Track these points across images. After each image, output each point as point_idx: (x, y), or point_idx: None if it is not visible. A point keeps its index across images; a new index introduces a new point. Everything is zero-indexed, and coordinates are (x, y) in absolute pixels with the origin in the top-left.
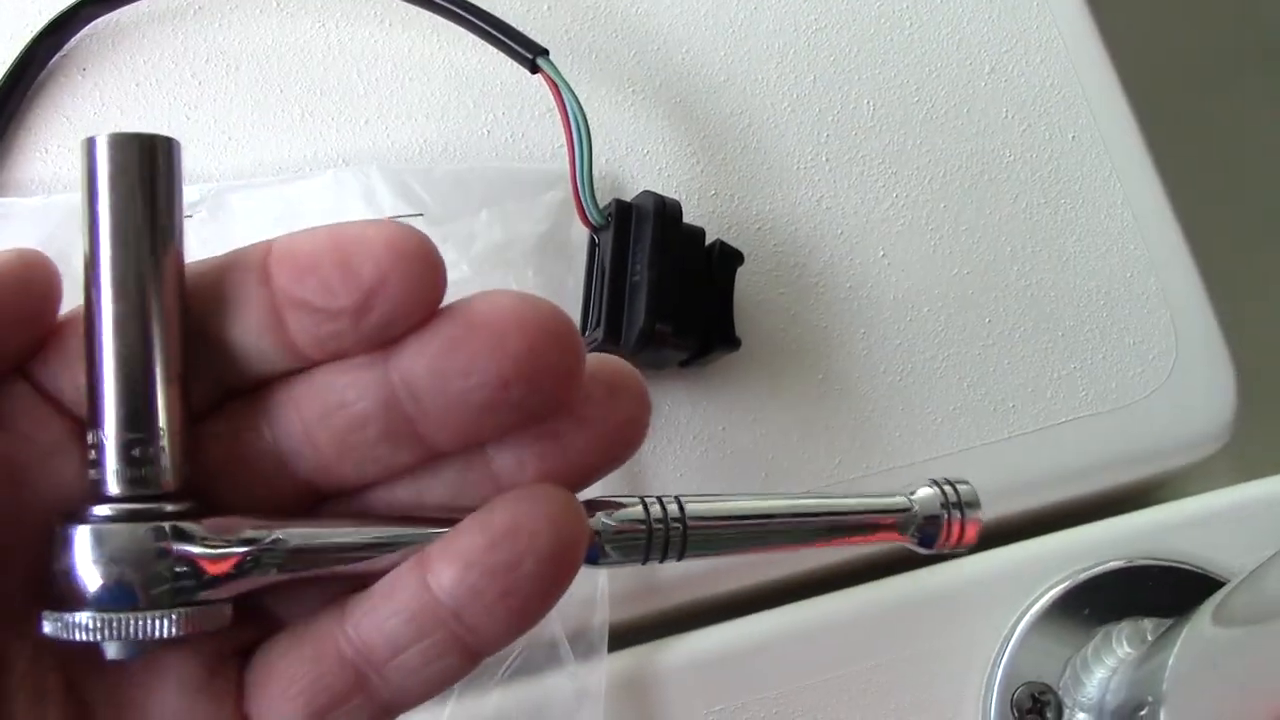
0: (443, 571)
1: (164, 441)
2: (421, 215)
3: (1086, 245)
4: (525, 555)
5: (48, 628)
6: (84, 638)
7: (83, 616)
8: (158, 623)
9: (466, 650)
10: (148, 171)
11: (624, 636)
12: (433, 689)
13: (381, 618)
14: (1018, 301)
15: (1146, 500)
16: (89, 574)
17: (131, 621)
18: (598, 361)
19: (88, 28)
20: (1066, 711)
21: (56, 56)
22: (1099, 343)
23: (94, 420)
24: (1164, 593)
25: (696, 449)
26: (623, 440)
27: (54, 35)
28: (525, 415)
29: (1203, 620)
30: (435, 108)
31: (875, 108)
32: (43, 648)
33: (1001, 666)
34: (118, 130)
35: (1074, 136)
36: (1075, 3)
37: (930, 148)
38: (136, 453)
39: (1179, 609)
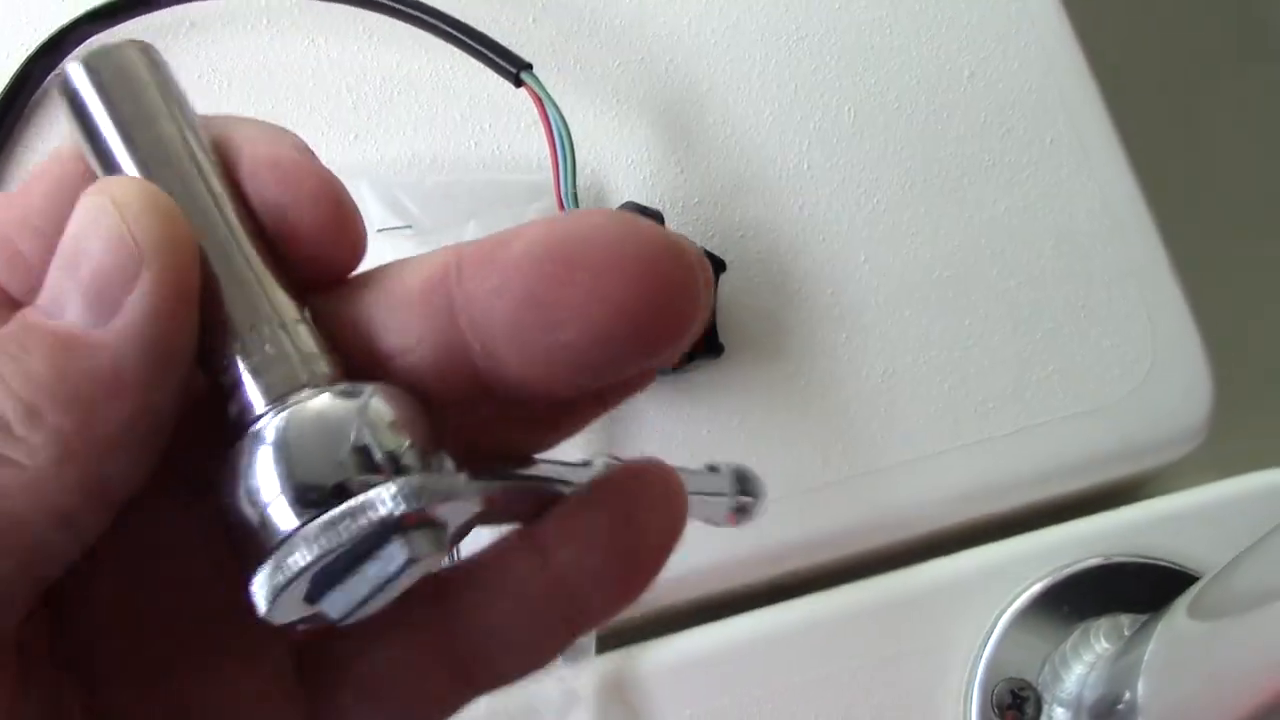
0: (562, 551)
1: (306, 323)
2: (410, 227)
3: (1064, 248)
4: (644, 538)
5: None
6: (363, 530)
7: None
8: (455, 482)
9: (572, 630)
10: (150, 74)
11: (611, 638)
12: (534, 669)
13: (496, 602)
14: (997, 304)
15: (1124, 498)
16: (321, 458)
17: (427, 484)
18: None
19: (81, 46)
20: (1045, 707)
21: (52, 75)
22: (1077, 344)
23: (226, 336)
24: (1141, 589)
25: (682, 455)
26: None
27: (49, 54)
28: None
29: (1177, 614)
30: (423, 121)
31: (856, 115)
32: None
33: (982, 664)
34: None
35: (1052, 140)
36: (1052, 7)
37: (910, 153)
38: (293, 341)
39: (1155, 605)
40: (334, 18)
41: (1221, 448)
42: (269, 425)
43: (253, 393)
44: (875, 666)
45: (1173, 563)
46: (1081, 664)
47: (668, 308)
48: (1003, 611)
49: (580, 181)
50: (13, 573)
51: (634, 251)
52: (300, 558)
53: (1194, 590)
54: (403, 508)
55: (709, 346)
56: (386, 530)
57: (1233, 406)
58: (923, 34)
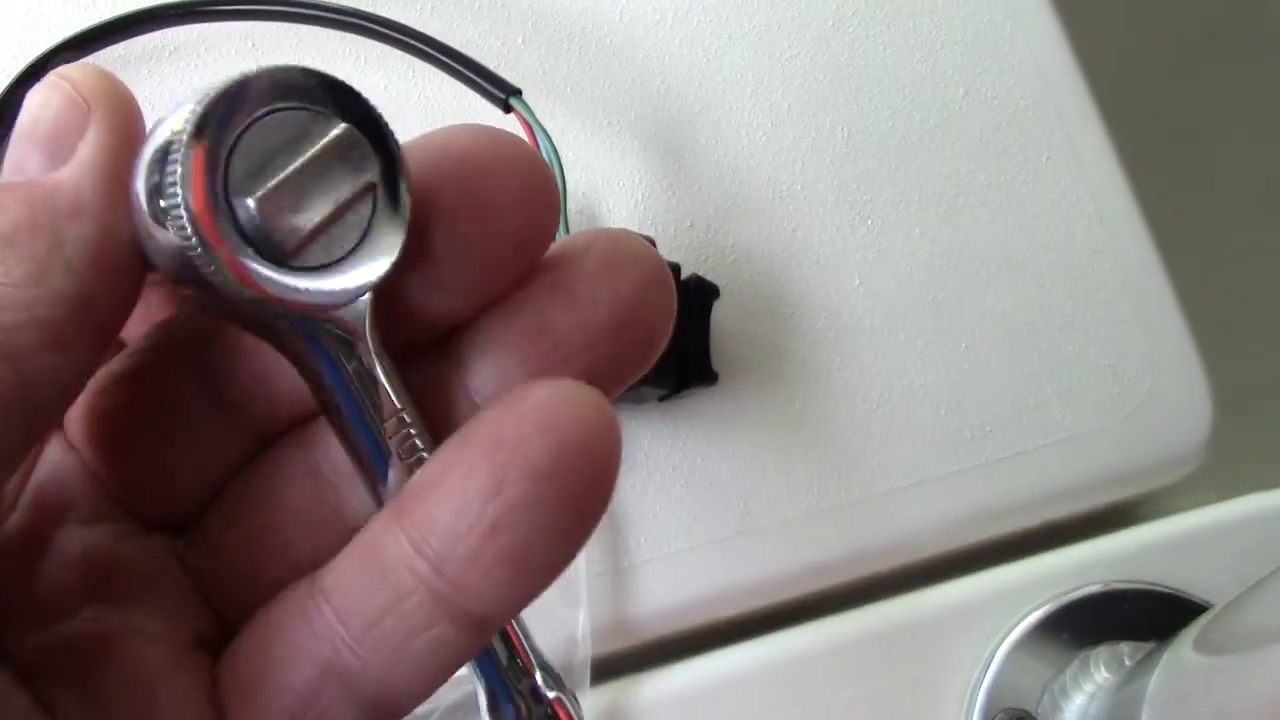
0: (409, 512)
1: None
2: None
3: (1062, 268)
4: (512, 475)
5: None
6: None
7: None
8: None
9: (458, 614)
10: None
11: (606, 670)
12: (427, 672)
13: (349, 578)
14: (994, 326)
15: (1124, 521)
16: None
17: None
18: (594, 233)
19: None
20: None
21: None
22: (1075, 365)
23: None
24: (1141, 616)
25: (676, 482)
26: (633, 328)
27: (28, 81)
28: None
29: (1183, 647)
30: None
31: (849, 134)
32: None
33: (981, 693)
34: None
35: (1048, 158)
36: (1049, 24)
37: (905, 173)
38: None
39: (1156, 632)
40: (319, 41)
41: (1222, 468)
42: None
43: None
44: (873, 696)
45: (1173, 589)
46: (1082, 694)
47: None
48: (1001, 640)
49: (571, 206)
50: (10, 388)
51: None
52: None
53: (1200, 623)
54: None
55: (702, 373)
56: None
57: (1233, 426)
58: (917, 52)
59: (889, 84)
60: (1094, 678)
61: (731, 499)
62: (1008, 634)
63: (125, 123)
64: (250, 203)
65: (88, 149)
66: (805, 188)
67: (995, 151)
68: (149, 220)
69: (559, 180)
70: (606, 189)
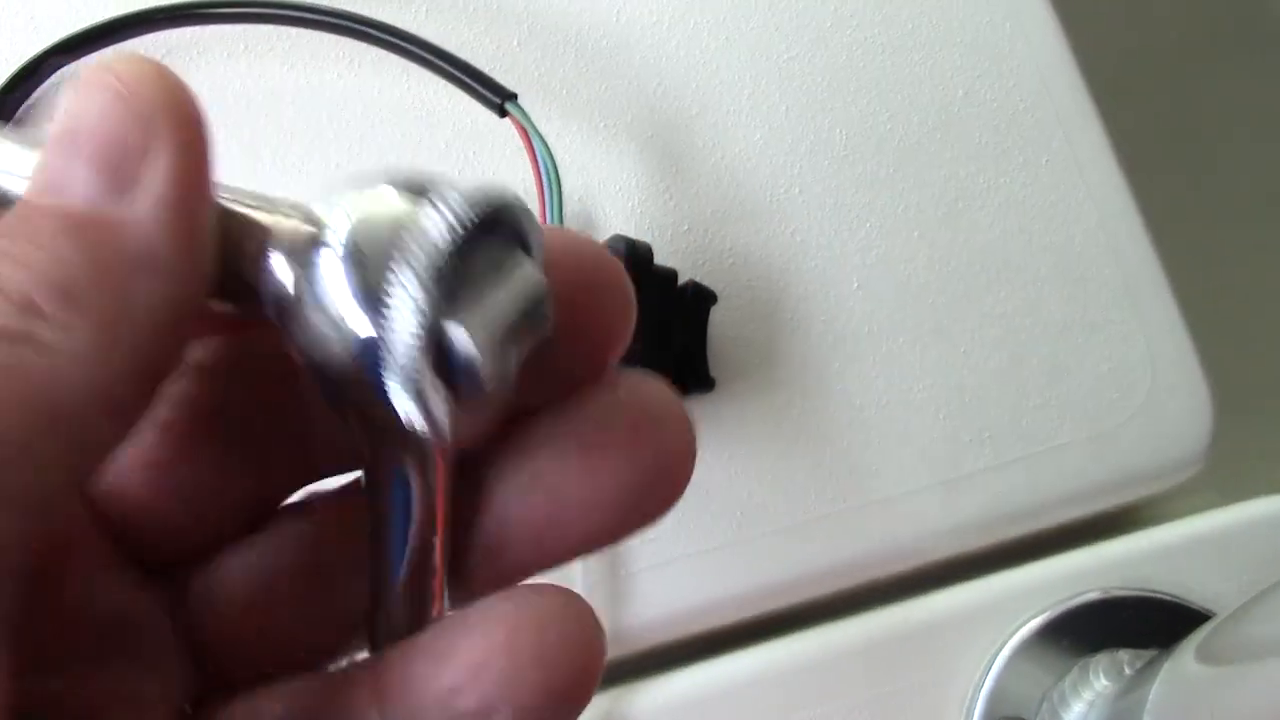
0: (390, 694)
1: None
2: None
3: (1061, 270)
4: (501, 707)
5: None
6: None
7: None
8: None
9: None
10: None
11: (602, 678)
12: None
13: None
14: (993, 330)
15: (1125, 527)
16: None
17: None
18: (627, 382)
19: (54, 76)
20: None
21: (23, 108)
22: (1074, 370)
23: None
24: (1140, 623)
25: None
26: (656, 481)
27: (20, 85)
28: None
29: (1185, 656)
30: (407, 150)
31: (848, 137)
32: None
33: (980, 701)
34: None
35: (1047, 160)
36: (1048, 26)
37: (904, 176)
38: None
39: (1155, 640)
40: (313, 45)
41: (1223, 471)
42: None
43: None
44: (871, 704)
45: (1172, 595)
46: (1081, 702)
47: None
48: (1000, 647)
49: (567, 210)
50: (60, 457)
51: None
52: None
53: (1203, 632)
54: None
55: (700, 379)
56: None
57: (1234, 429)
58: (915, 54)
59: (887, 86)
60: (1093, 686)
61: (728, 506)
62: (1007, 641)
63: (199, 146)
64: (461, 335)
65: (158, 180)
66: (803, 191)
67: (994, 154)
68: (325, 312)
69: (555, 185)
70: (603, 193)
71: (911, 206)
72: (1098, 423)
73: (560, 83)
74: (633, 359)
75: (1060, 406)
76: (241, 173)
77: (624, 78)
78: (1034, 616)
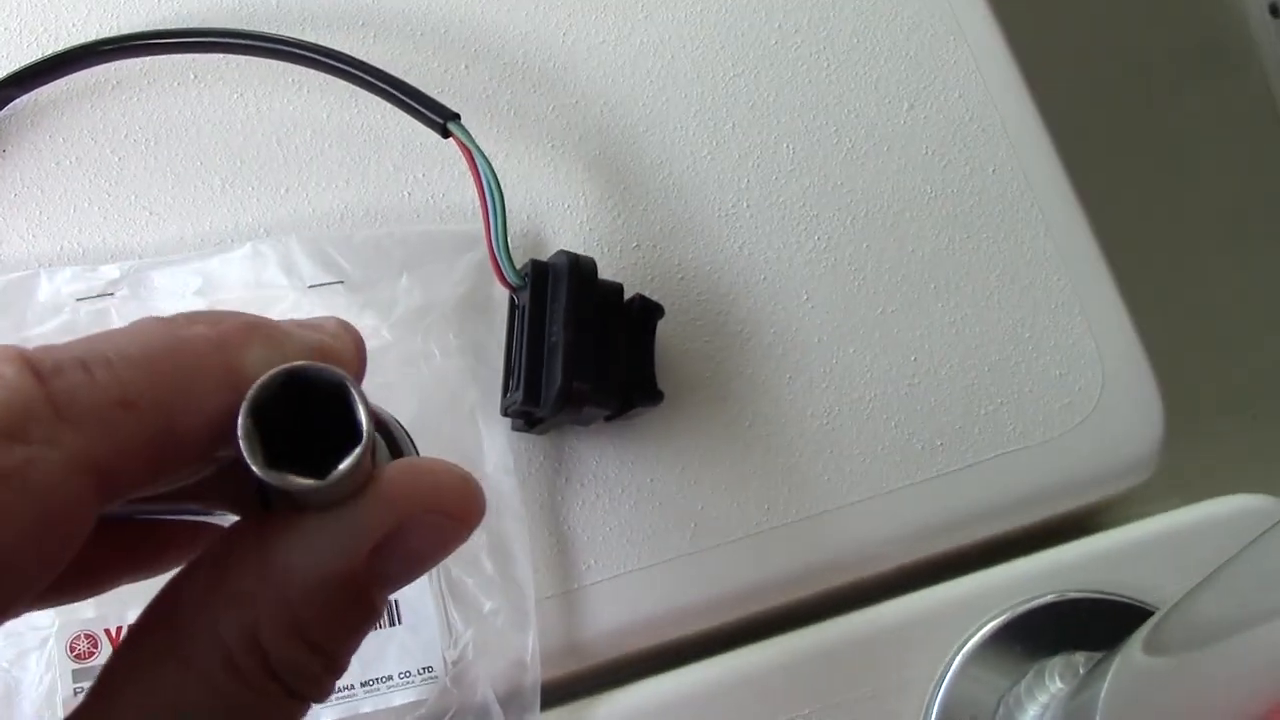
0: None
1: None
2: (342, 283)
3: (1009, 279)
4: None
5: None
6: None
7: None
8: None
9: None
10: None
11: (557, 694)
12: None
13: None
14: (942, 338)
15: (1078, 531)
16: None
17: None
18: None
19: (6, 109)
20: None
21: None
22: (1025, 376)
23: None
24: (1095, 625)
25: (625, 502)
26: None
27: None
28: None
29: (1133, 650)
30: (355, 172)
31: (795, 150)
32: None
33: (936, 706)
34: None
35: (994, 170)
36: (992, 37)
37: (851, 188)
38: None
39: (1111, 641)
40: (261, 71)
41: (1175, 475)
42: None
43: None
44: (828, 712)
45: (1126, 597)
46: (1036, 704)
47: None
48: (956, 653)
49: (516, 228)
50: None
51: None
52: None
53: (1149, 625)
54: None
55: (647, 394)
56: None
57: (1185, 433)
58: (860, 68)
59: (833, 100)
60: (1049, 688)
61: (681, 518)
62: (962, 647)
63: None
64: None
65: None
66: (751, 205)
67: (941, 164)
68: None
69: (498, 203)
70: (551, 211)
71: (859, 218)
72: (1049, 428)
73: (508, 103)
74: (581, 374)
75: (1011, 413)
76: (194, 200)
77: (571, 97)
78: (990, 621)
